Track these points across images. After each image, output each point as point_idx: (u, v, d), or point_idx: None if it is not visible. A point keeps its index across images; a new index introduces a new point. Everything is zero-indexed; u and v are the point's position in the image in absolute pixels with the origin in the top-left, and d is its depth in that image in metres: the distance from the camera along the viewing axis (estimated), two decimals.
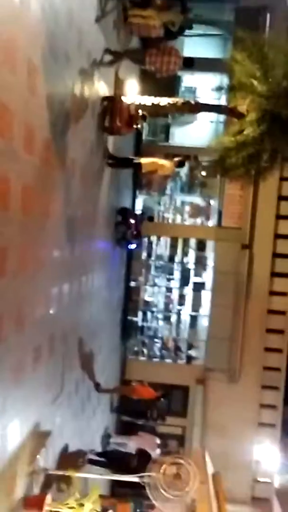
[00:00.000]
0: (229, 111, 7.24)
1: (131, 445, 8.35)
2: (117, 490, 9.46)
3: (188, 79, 12.83)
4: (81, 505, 4.16)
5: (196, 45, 12.57)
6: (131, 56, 7.31)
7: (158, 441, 9.15)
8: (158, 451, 8.36)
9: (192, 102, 7.27)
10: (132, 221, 9.61)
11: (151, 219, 11.30)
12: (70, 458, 5.27)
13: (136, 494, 7.09)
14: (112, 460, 6.45)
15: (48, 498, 4.08)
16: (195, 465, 4.17)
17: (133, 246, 10.43)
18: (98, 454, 6.68)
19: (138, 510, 8.65)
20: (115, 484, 8.99)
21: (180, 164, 8.26)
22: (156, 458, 4.89)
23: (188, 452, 10.38)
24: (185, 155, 12.43)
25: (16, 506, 3.84)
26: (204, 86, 12.02)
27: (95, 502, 4.26)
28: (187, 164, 12.64)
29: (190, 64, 7.37)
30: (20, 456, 3.91)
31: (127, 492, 7.71)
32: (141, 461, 5.96)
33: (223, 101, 9.87)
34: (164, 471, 4.08)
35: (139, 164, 7.87)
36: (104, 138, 7.13)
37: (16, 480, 3.84)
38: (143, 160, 7.97)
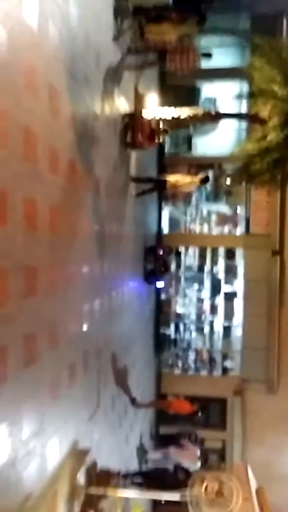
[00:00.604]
0: (250, 118, 7.20)
1: (170, 456, 8.20)
2: (159, 508, 9.31)
3: (208, 89, 12.86)
4: None
5: (213, 55, 12.63)
6: (151, 61, 7.38)
7: (198, 452, 8.96)
8: (198, 463, 8.17)
9: (213, 112, 7.27)
10: (160, 252, 9.71)
11: (178, 253, 11.44)
12: (105, 477, 5.24)
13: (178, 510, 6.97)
14: (149, 479, 6.37)
15: None
16: (237, 481, 4.05)
17: (161, 285, 10.47)
18: (135, 474, 6.61)
19: None
20: (156, 501, 8.85)
21: (205, 181, 8.27)
22: (197, 473, 4.77)
23: (229, 466, 10.12)
24: (209, 165, 12.46)
25: None
26: (224, 95, 12.01)
27: None
28: (211, 174, 12.63)
29: (209, 56, 7.41)
30: (60, 475, 3.91)
31: (169, 509, 7.58)
32: (180, 477, 5.86)
33: (244, 109, 9.83)
34: (205, 488, 3.98)
35: (164, 182, 7.92)
36: (127, 153, 7.22)
37: (57, 500, 3.84)
38: (168, 178, 8.01)
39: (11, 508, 2.95)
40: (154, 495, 5.82)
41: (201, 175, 8.13)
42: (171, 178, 7.94)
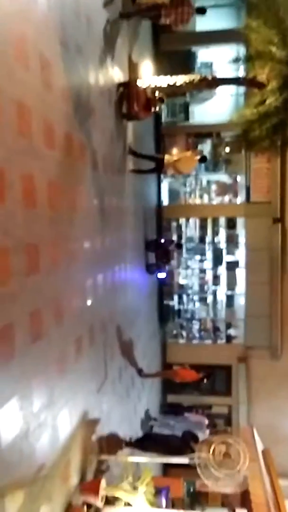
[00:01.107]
0: (248, 82, 7.01)
1: (177, 426, 8.44)
2: (170, 471, 9.64)
3: (204, 53, 12.49)
4: (135, 488, 4.26)
5: (208, 17, 12.18)
6: (144, 13, 7.10)
7: (206, 421, 9.22)
8: (207, 431, 8.42)
9: (210, 77, 7.06)
10: (162, 241, 9.69)
11: (179, 246, 11.38)
12: (111, 443, 5.38)
13: (189, 474, 7.19)
14: (154, 443, 6.45)
15: (103, 483, 4.20)
16: (244, 443, 4.17)
17: (162, 275, 10.29)
18: (141, 439, 6.78)
19: (191, 489, 8.80)
20: (167, 464, 9.14)
21: (202, 160, 8.13)
22: (205, 438, 4.93)
23: (236, 430, 10.42)
24: (207, 133, 12.24)
25: (73, 492, 3.98)
26: (221, 59, 11.66)
27: (148, 484, 4.35)
28: (209, 142, 12.43)
29: (203, 12, 7.16)
30: (72, 445, 4.03)
31: (180, 472, 7.84)
32: (187, 442, 5.99)
33: (241, 73, 9.56)
34: (213, 451, 4.10)
35: (162, 161, 7.78)
36: (124, 124, 7.08)
37: (70, 469, 3.97)
38: (166, 157, 7.86)
39: (25, 478, 3.06)
40: (164, 459, 6.02)
41: (199, 155, 8.00)
42: (169, 157, 7.80)
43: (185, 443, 5.95)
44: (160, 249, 9.48)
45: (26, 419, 3.08)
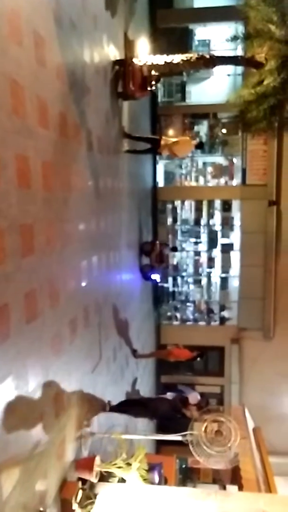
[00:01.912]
0: (246, 62, 6.89)
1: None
2: (163, 448, 9.85)
3: (201, 31, 12.24)
4: (129, 464, 4.36)
5: None
6: None
7: (199, 396, 9.32)
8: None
9: (207, 56, 6.93)
10: (157, 244, 9.56)
11: (174, 249, 11.32)
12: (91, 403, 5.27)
13: (181, 451, 7.31)
14: (143, 407, 5.93)
15: (97, 459, 4.30)
16: (235, 421, 4.26)
17: (156, 277, 9.90)
18: (126, 403, 6.19)
19: (183, 466, 9.03)
20: (160, 442, 9.32)
21: (199, 146, 8.03)
22: (197, 416, 5.00)
23: (227, 409, 10.64)
24: (204, 114, 12.09)
25: (68, 468, 4.07)
26: (218, 37, 11.43)
27: (141, 461, 4.45)
28: (206, 123, 12.29)
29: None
30: (67, 422, 4.11)
31: (172, 450, 8.01)
32: (176, 404, 5.76)
33: (239, 52, 9.40)
34: (205, 428, 4.19)
35: (158, 142, 7.66)
36: (119, 104, 6.97)
37: (65, 445, 4.05)
38: (163, 139, 7.75)
39: (21, 455, 3.12)
40: (156, 436, 6.13)
41: (195, 141, 7.90)
42: (166, 139, 7.70)
43: (174, 405, 5.82)
44: (154, 252, 9.38)
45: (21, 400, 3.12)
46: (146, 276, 9.57)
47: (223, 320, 12.62)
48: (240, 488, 6.17)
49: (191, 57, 6.84)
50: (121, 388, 6.98)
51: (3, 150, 2.91)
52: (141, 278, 9.39)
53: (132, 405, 6.07)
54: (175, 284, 12.91)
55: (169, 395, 6.14)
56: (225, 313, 12.69)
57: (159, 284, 11.53)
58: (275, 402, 11.54)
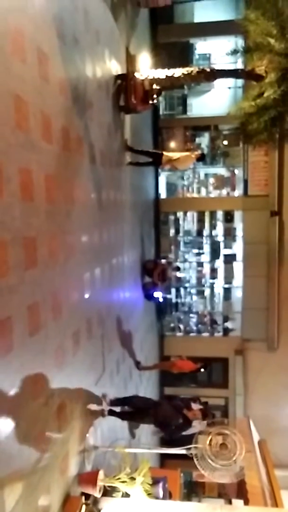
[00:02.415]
0: (246, 74, 6.97)
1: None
2: (167, 462, 9.73)
3: (201, 46, 12.43)
4: (133, 478, 4.32)
5: (206, 8, 12.11)
6: None
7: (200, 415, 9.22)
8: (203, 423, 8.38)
9: (208, 69, 7.03)
10: (161, 262, 9.54)
11: (178, 269, 11.32)
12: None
13: (185, 465, 7.20)
14: (143, 412, 5.69)
15: (101, 474, 4.25)
16: (240, 434, 4.22)
17: (158, 295, 9.72)
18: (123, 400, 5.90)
19: (188, 480, 8.91)
20: (164, 455, 9.19)
21: (201, 158, 8.08)
22: (202, 430, 4.95)
23: (232, 421, 10.53)
24: (205, 126, 12.20)
25: (71, 483, 4.03)
26: (219, 51, 11.60)
27: (145, 475, 4.40)
28: (207, 135, 12.39)
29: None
30: (70, 436, 4.08)
31: (176, 464, 7.91)
32: (179, 409, 5.55)
33: (239, 65, 9.52)
34: (210, 442, 4.15)
35: (160, 157, 7.72)
36: (121, 117, 7.06)
37: (68, 459, 4.02)
38: (164, 154, 7.81)
39: (24, 469, 3.09)
40: (161, 450, 6.06)
41: (197, 153, 7.96)
42: (167, 155, 7.76)
43: (175, 405, 5.65)
44: (156, 270, 9.30)
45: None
46: (149, 295, 9.43)
47: (226, 331, 12.56)
48: (246, 502, 6.08)
49: (192, 71, 6.93)
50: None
51: (7, 164, 2.95)
52: (143, 298, 9.24)
53: (132, 413, 5.90)
54: (178, 295, 12.89)
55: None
56: (229, 324, 12.64)
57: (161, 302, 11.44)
58: (280, 414, 11.42)
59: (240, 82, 11.27)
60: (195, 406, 5.73)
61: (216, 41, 11.98)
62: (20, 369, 3.05)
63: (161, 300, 10.17)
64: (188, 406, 5.69)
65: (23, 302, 3.16)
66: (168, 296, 12.52)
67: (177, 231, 12.64)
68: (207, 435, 4.21)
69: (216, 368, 12.06)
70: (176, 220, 12.66)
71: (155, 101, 7.11)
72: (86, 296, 4.83)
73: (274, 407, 11.33)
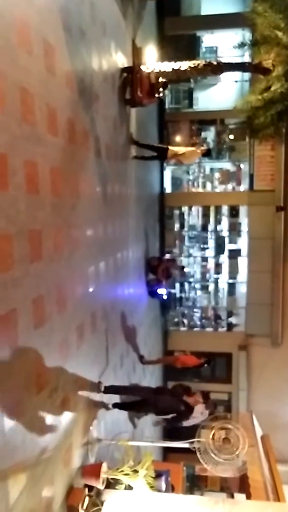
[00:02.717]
0: (254, 68, 6.91)
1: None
2: (170, 456, 9.78)
3: (208, 38, 12.31)
4: (136, 471, 4.34)
5: (213, 1, 12.00)
6: None
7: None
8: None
9: (214, 62, 6.96)
10: (166, 258, 9.46)
11: (182, 268, 11.27)
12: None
13: (188, 459, 7.22)
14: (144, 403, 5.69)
15: (104, 466, 4.28)
16: (243, 429, 4.23)
17: (163, 291, 9.60)
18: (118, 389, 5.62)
19: (191, 473, 8.96)
20: (167, 449, 9.22)
21: (206, 154, 8.01)
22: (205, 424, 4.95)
23: (235, 416, 10.56)
24: (211, 120, 12.12)
25: (74, 475, 4.06)
26: (226, 44, 11.49)
27: (148, 468, 4.42)
28: (213, 129, 12.31)
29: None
30: (74, 428, 4.10)
31: (179, 457, 7.94)
32: (178, 394, 5.55)
33: (246, 58, 9.43)
34: (213, 436, 4.16)
35: (165, 151, 7.68)
36: (127, 111, 7.02)
37: (72, 451, 4.04)
38: (170, 149, 7.77)
39: (28, 461, 3.12)
40: (164, 443, 6.09)
41: (203, 148, 7.90)
42: (173, 150, 7.72)
43: (175, 391, 5.65)
44: (161, 267, 9.25)
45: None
46: (153, 291, 9.37)
47: (230, 326, 12.55)
48: (248, 496, 6.10)
49: (198, 64, 6.87)
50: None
51: (12, 157, 2.94)
52: (147, 295, 9.19)
53: (133, 403, 5.90)
54: (182, 290, 12.88)
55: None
56: (233, 319, 12.63)
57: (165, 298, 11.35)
58: (283, 410, 11.42)
59: (247, 75, 11.17)
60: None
61: (223, 34, 11.85)
62: (25, 361, 3.07)
63: (165, 297, 10.11)
64: (188, 391, 5.68)
65: (28, 295, 3.17)
66: (172, 291, 12.50)
67: (182, 226, 12.61)
68: (210, 429, 4.22)
69: (219, 363, 12.07)
70: (181, 214, 12.63)
71: (161, 94, 7.06)
72: (91, 290, 4.83)
73: (277, 403, 11.34)
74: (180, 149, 7.69)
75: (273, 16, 6.22)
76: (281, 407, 11.37)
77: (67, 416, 3.91)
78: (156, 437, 8.57)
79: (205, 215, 12.55)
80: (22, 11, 3.16)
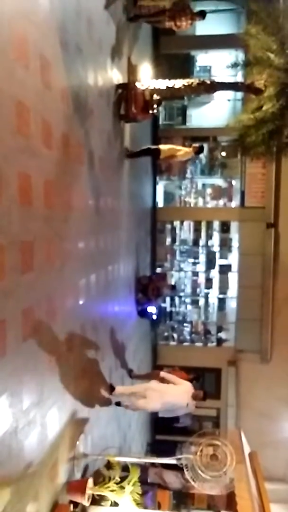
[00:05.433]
0: (246, 88, 7.08)
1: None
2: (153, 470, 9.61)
3: (202, 58, 12.57)
4: (122, 487, 4.28)
5: (208, 21, 12.26)
6: (148, 18, 7.17)
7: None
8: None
9: (208, 81, 7.12)
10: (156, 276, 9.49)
11: (173, 287, 11.35)
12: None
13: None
14: None
15: (90, 482, 4.22)
16: (231, 445, 4.21)
17: (152, 310, 9.44)
18: None
19: (177, 491, 8.81)
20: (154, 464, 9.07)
21: (199, 151, 8.08)
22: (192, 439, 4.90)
23: (223, 432, 10.48)
24: (204, 137, 12.30)
25: (59, 491, 3.99)
26: (219, 64, 11.74)
27: (135, 484, 4.37)
28: (206, 146, 12.48)
29: (203, 15, 7.30)
30: (61, 443, 4.05)
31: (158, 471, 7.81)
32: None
33: (239, 78, 9.64)
34: (201, 452, 4.14)
35: (158, 150, 7.81)
36: (121, 126, 7.11)
37: (58, 466, 3.98)
38: (161, 147, 7.90)
39: (13, 476, 3.07)
40: (150, 460, 6.02)
41: (195, 145, 7.98)
42: (165, 147, 7.83)
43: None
44: (151, 286, 9.21)
45: (15, 416, 3.09)
46: (142, 311, 9.23)
47: (220, 341, 12.55)
48: None
49: (192, 83, 7.02)
50: (115, 409, 6.89)
51: (6, 169, 2.97)
52: (137, 314, 9.10)
53: None
54: (172, 304, 12.88)
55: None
56: (222, 334, 12.62)
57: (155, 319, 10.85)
58: (272, 427, 11.37)
59: (239, 95, 11.40)
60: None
61: (217, 54, 12.12)
62: (12, 373, 3.04)
63: (154, 317, 9.97)
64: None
65: (18, 306, 3.16)
66: (163, 304, 12.48)
67: (173, 240, 12.67)
68: (198, 446, 4.20)
69: (208, 379, 12.02)
70: (173, 229, 12.70)
71: (155, 111, 7.18)
72: (81, 302, 4.82)
73: (266, 420, 11.29)
74: (172, 147, 7.79)
75: (265, 38, 6.41)
76: (270, 424, 11.32)
77: (53, 430, 3.86)
78: (144, 452, 8.46)
79: (197, 230, 12.64)
80: (22, 27, 3.22)
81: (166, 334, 12.67)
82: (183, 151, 7.79)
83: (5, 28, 2.97)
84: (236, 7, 11.89)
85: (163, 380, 5.85)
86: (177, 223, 12.71)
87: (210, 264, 12.58)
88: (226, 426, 11.55)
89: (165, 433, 11.18)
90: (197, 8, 7.68)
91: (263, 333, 11.52)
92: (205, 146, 12.53)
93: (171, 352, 12.09)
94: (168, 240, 12.61)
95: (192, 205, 12.78)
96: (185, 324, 12.84)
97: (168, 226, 12.65)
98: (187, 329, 12.81)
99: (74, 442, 4.48)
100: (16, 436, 3.10)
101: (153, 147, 8.28)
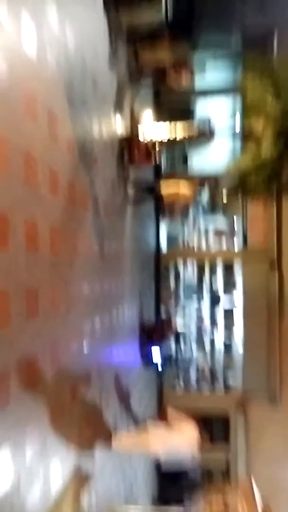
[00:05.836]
0: (244, 135, 7.33)
1: None
2: None
3: (202, 105, 13.09)
4: None
5: (207, 69, 12.87)
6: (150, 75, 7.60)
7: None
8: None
9: (207, 131, 7.42)
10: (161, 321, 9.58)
11: (177, 334, 11.47)
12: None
13: None
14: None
15: None
16: (243, 497, 4.02)
17: (157, 358, 9.13)
18: None
19: None
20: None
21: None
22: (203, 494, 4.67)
23: (234, 482, 9.98)
24: (204, 179, 12.59)
25: None
26: (218, 111, 12.21)
27: None
28: (206, 188, 12.77)
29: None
30: (64, 497, 3.87)
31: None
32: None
33: (238, 124, 10.01)
34: (212, 506, 3.94)
35: (161, 196, 7.99)
36: (125, 173, 7.33)
37: None
38: (164, 190, 8.09)
39: None
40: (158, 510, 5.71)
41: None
42: (168, 189, 8.03)
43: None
44: (156, 332, 9.11)
45: (18, 470, 2.99)
46: (147, 356, 8.94)
47: (227, 385, 12.23)
48: None
49: (193, 135, 7.32)
50: (120, 459, 6.64)
51: (14, 216, 3.05)
52: (141, 363, 8.88)
53: None
54: (177, 348, 12.66)
55: None
56: (229, 378, 12.32)
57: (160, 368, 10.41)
58: (284, 473, 10.83)
59: (238, 138, 11.77)
60: None
61: (216, 100, 12.62)
62: (15, 424, 2.97)
63: (159, 368, 9.70)
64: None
65: (22, 353, 3.13)
66: (167, 350, 12.28)
67: (177, 284, 12.65)
68: (209, 500, 4.01)
69: (216, 426, 11.61)
70: (177, 272, 12.71)
71: (157, 161, 7.46)
72: (86, 347, 4.78)
73: (279, 466, 10.77)
74: (174, 185, 7.94)
75: (261, 89, 6.71)
76: (282, 470, 10.79)
77: (57, 483, 3.71)
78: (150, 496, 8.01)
79: (200, 272, 12.64)
80: (30, 85, 3.42)
81: (171, 379, 12.38)
82: (184, 193, 7.96)
83: (16, 88, 3.15)
84: (233, 56, 12.44)
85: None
86: (180, 266, 12.74)
87: (214, 307, 12.49)
88: (237, 475, 11.02)
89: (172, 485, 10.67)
90: (197, 59, 8.11)
91: (271, 375, 11.24)
92: (206, 188, 12.84)
93: (177, 398, 11.76)
94: (172, 284, 12.59)
95: (195, 247, 12.86)
96: (191, 369, 12.57)
97: (172, 270, 12.67)
98: (193, 374, 12.52)
99: (78, 497, 4.29)
100: (19, 491, 2.99)
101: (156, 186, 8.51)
